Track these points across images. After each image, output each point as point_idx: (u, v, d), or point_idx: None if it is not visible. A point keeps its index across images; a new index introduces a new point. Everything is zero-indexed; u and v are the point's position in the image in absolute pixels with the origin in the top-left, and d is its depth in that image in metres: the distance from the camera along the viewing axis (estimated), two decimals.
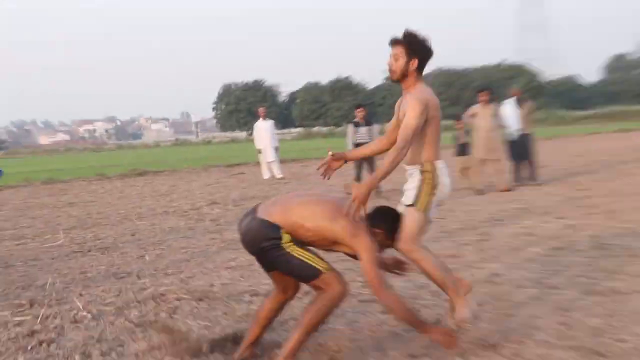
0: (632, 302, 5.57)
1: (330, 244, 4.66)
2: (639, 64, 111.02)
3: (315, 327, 4.57)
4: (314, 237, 4.59)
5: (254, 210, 4.79)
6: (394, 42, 4.93)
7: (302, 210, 4.60)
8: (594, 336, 4.83)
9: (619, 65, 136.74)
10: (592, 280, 6.29)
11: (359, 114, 14.93)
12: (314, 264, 4.53)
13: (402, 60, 4.92)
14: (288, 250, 4.52)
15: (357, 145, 14.27)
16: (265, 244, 4.56)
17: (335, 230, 4.55)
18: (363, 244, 4.54)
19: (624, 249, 7.69)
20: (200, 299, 6.55)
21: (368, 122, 15.04)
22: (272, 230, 4.55)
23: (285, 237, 4.53)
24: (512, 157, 15.23)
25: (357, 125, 14.86)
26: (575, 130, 45.55)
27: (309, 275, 4.54)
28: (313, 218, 4.55)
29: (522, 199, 12.58)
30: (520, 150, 15.08)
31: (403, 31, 4.89)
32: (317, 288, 4.60)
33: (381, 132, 14.60)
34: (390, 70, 4.97)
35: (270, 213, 4.65)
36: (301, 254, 4.54)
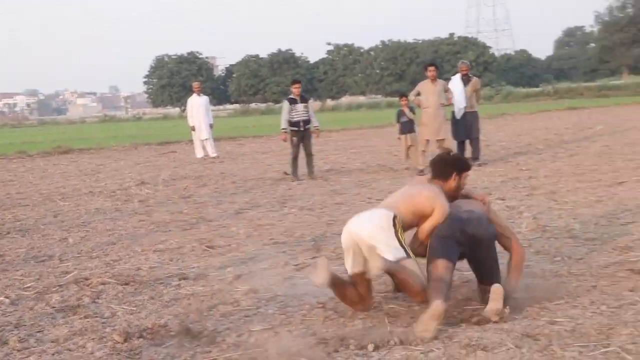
0: (570, 285, 5.81)
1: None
2: (594, 38, 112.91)
3: None
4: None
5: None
6: None
7: None
8: (527, 319, 5.04)
9: (571, 40, 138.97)
10: (530, 263, 6.51)
11: (295, 90, 14.79)
12: None
13: None
14: None
15: (293, 122, 14.46)
16: None
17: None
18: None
19: (564, 230, 7.97)
20: (126, 283, 6.62)
21: (304, 98, 14.91)
22: None
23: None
24: (456, 136, 15.42)
25: (293, 101, 14.71)
26: (523, 107, 46.28)
27: None
28: None
29: None
30: (465, 128, 15.27)
31: None
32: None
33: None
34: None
35: None
36: None
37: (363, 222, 5.41)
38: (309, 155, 14.64)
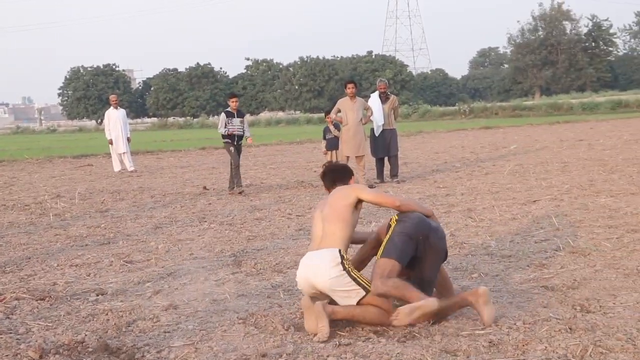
0: None
1: None
2: (508, 59, 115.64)
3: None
4: None
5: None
6: None
7: None
8: (445, 335, 5.12)
9: (485, 60, 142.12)
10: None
11: (233, 103, 14.65)
12: None
13: None
14: None
15: (230, 136, 14.42)
16: None
17: None
18: None
19: (480, 247, 8.13)
20: (42, 299, 6.48)
21: (241, 113, 14.83)
22: None
23: None
24: (375, 153, 15.61)
25: (229, 115, 14.55)
26: (439, 126, 47.02)
27: None
28: None
29: None
30: (384, 145, 15.47)
31: None
32: None
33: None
34: None
35: None
36: None
37: (316, 272, 5.38)
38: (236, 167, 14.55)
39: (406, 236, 5.34)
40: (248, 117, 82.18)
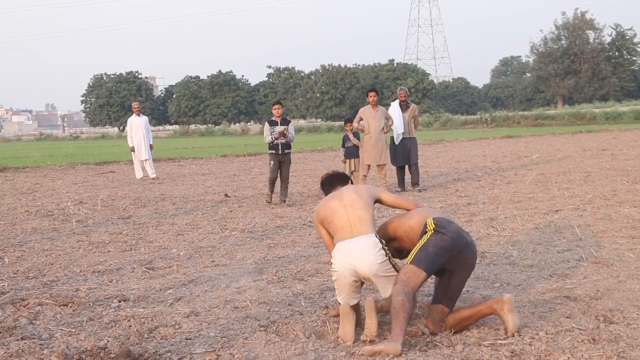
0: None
1: None
2: (530, 68, 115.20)
3: None
4: None
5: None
6: None
7: None
8: (467, 345, 5.11)
9: (507, 69, 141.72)
10: (469, 289, 6.60)
11: (276, 111, 14.08)
12: None
13: None
14: None
15: (272, 145, 13.96)
16: None
17: None
18: None
19: (502, 257, 8.10)
20: (65, 304, 6.51)
21: (285, 120, 14.26)
22: None
23: None
24: (395, 161, 15.60)
25: (273, 123, 14.06)
26: (461, 134, 46.90)
27: None
28: None
29: None
30: (404, 154, 15.47)
31: None
32: None
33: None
34: None
35: None
36: None
37: (362, 258, 5.37)
38: (284, 180, 14.12)
39: (442, 249, 5.24)
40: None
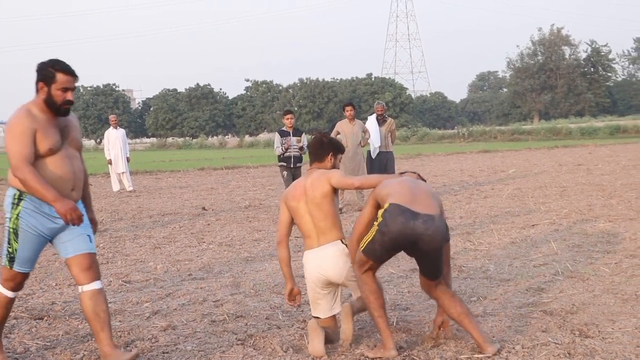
0: (485, 325, 5.92)
1: None
2: (507, 83, 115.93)
3: None
4: None
5: (414, 210, 5.06)
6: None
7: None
8: (443, 358, 5.12)
9: (484, 84, 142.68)
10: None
11: (288, 121, 13.77)
12: None
13: None
14: None
15: (286, 158, 13.72)
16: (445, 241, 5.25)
17: None
18: None
19: (479, 271, 8.14)
20: (40, 318, 6.49)
21: (297, 131, 13.93)
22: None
23: None
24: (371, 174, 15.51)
25: (284, 134, 13.72)
26: (438, 149, 47.07)
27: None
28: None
29: None
30: (380, 168, 15.41)
31: None
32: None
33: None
34: None
35: (433, 208, 5.17)
36: None
37: (330, 266, 5.46)
38: None
39: (387, 249, 5.13)
40: (247, 139, 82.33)
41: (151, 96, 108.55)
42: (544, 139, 58.82)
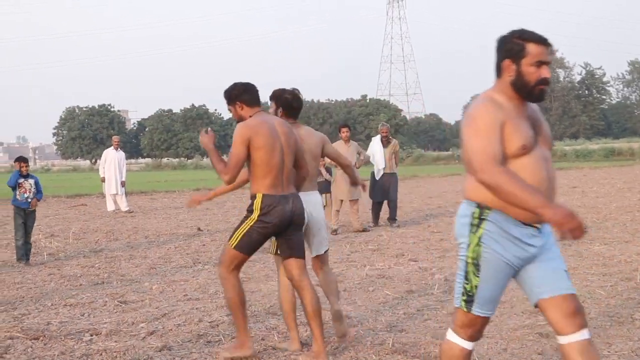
0: (481, 347, 5.91)
1: None
2: None
3: None
4: None
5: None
6: None
7: None
8: None
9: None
10: (442, 324, 6.63)
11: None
12: None
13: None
14: None
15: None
16: None
17: None
18: None
19: None
20: (36, 338, 6.46)
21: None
22: None
23: None
24: (373, 196, 15.48)
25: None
26: (433, 170, 47.15)
27: None
28: None
29: (377, 240, 13.00)
30: (382, 189, 15.35)
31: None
32: None
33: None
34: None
35: None
36: None
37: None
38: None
39: (266, 236, 5.67)
40: None
41: (146, 117, 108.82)
42: None
